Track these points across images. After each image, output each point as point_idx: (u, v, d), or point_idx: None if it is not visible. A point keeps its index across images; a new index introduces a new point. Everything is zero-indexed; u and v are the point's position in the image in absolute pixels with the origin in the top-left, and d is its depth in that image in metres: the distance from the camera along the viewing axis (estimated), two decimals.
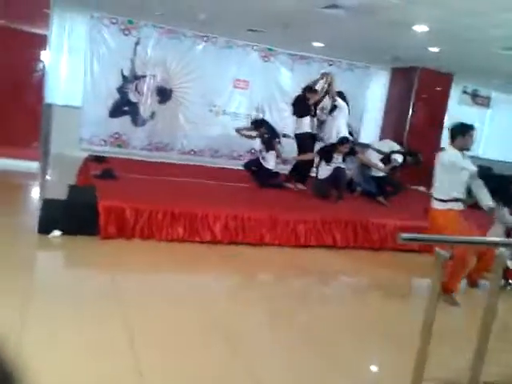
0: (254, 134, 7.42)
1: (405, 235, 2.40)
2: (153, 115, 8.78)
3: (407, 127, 9.74)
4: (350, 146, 6.85)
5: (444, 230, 4.14)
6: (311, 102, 7.22)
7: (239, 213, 5.12)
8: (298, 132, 7.32)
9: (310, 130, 7.27)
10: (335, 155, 6.71)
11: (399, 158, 7.32)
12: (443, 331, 2.71)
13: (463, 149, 4.29)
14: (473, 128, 4.34)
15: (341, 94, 7.28)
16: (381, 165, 7.25)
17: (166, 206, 4.90)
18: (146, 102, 8.71)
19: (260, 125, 7.34)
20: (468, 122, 4.48)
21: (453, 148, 4.30)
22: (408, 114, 9.78)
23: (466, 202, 4.41)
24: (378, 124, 10.50)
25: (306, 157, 7.16)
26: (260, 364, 2.84)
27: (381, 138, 9.80)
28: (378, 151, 7.43)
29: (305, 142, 7.25)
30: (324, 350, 3.13)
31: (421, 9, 5.32)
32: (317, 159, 7.00)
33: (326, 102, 7.28)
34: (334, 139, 6.92)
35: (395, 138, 8.37)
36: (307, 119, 7.26)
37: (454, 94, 10.44)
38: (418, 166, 7.48)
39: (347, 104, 7.32)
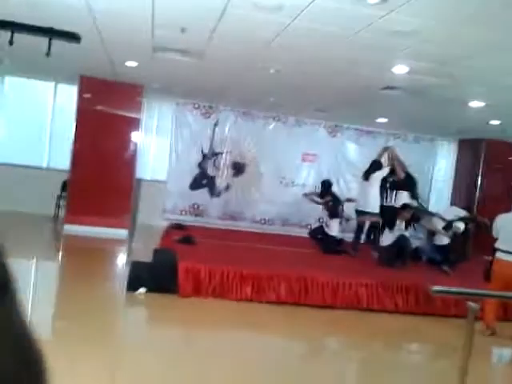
0: (320, 201, 7.91)
1: (437, 287, 2.72)
2: (228, 187, 9.63)
3: (477, 195, 9.79)
4: (412, 212, 7.13)
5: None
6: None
7: (302, 275, 5.54)
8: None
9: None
10: (398, 221, 7.00)
11: (461, 226, 7.47)
12: None
13: None
14: None
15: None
16: (443, 231, 7.43)
17: (235, 267, 5.45)
18: (222, 176, 9.62)
19: (327, 188, 7.87)
20: None
21: None
22: (477, 182, 9.86)
23: None
24: (448, 192, 10.60)
25: (371, 219, 7.56)
26: None
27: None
28: (442, 219, 7.61)
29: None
30: None
31: (472, 87, 5.74)
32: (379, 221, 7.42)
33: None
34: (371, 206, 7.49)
35: (465, 206, 8.55)
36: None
37: None
38: (486, 231, 7.54)
39: (413, 177, 7.80)
